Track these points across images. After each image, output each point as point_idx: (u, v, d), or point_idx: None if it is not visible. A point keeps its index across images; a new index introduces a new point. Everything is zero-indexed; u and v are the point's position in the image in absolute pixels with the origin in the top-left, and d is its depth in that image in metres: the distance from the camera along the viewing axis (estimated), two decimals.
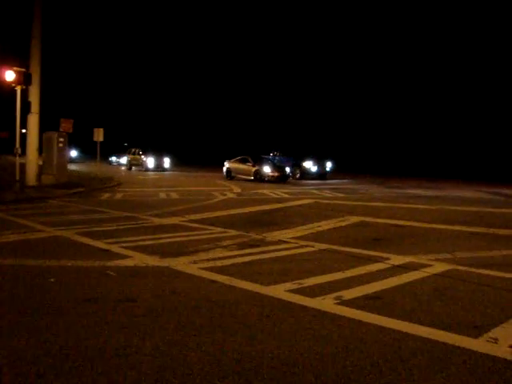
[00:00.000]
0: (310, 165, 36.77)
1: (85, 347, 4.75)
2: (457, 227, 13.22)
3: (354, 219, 14.42)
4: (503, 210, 17.65)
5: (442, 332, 5.34)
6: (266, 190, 24.30)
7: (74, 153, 55.30)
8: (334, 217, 14.77)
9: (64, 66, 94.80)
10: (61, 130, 24.38)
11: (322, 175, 37.28)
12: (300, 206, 18.00)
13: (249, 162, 32.64)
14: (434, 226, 13.46)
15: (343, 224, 13.58)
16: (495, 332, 5.38)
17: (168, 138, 76.34)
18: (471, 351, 4.85)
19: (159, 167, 44.77)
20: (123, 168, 48.74)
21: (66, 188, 21.01)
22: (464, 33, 58.18)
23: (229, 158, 34.67)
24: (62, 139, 23.30)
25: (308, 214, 15.43)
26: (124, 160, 51.50)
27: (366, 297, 6.60)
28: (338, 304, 6.25)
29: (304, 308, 6.09)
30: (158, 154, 45.36)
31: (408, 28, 64.35)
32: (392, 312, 5.99)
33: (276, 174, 31.49)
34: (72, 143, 56.60)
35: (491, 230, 12.70)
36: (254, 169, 31.92)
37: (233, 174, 33.47)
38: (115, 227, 12.12)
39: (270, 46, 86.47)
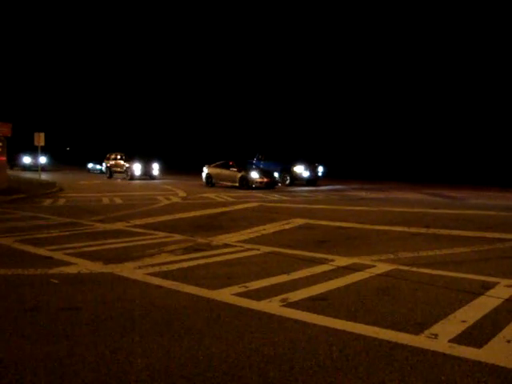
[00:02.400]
0: (301, 169, 33.24)
1: (26, 359, 4.63)
2: (399, 228, 13.55)
3: (299, 222, 14.57)
4: (443, 211, 18.20)
5: (385, 330, 5.47)
6: (211, 194, 24.25)
7: (43, 159, 48.60)
8: (278, 219, 14.89)
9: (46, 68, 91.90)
10: None
11: (312, 181, 34.05)
12: (245, 209, 18.06)
13: (233, 167, 29.92)
14: (377, 227, 13.75)
15: (288, 227, 13.70)
16: (435, 328, 5.55)
17: (145, 142, 70.56)
18: (413, 347, 4.99)
19: (147, 174, 38.28)
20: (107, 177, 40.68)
21: (5, 194, 20.39)
22: (452, 40, 58.94)
23: (209, 163, 31.88)
24: None
25: (253, 218, 15.49)
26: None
27: (312, 298, 6.68)
28: (284, 306, 6.31)
29: (250, 311, 6.12)
30: (145, 159, 38.92)
31: (402, 33, 64.26)
32: (337, 313, 6.09)
33: (265, 180, 28.93)
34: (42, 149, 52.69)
35: (431, 231, 13.07)
36: (239, 174, 29.13)
37: (214, 181, 30.71)
38: (58, 234, 11.85)
39: (254, 45, 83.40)
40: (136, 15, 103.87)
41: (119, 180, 37.49)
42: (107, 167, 40.73)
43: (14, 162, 48.80)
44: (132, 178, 37.36)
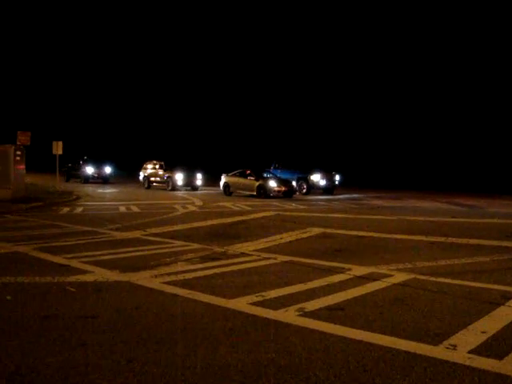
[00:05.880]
0: (318, 178, 32.95)
1: (42, 366, 4.63)
2: (416, 237, 13.43)
3: (316, 231, 14.51)
4: (459, 220, 18.03)
5: (403, 341, 5.40)
6: (228, 203, 24.24)
7: (108, 169, 41.79)
8: (295, 229, 14.84)
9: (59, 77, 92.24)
10: (18, 143, 23.88)
11: (329, 190, 33.86)
12: (262, 218, 18.02)
13: (251, 175, 29.81)
14: (394, 236, 13.65)
15: (305, 236, 13.65)
16: (454, 339, 5.47)
17: (166, 150, 68.44)
18: (432, 358, 4.92)
19: (189, 185, 34.76)
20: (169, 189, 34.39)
21: (23, 202, 20.57)
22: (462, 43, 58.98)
23: (226, 172, 31.50)
24: (19, 152, 22.77)
25: (270, 226, 15.45)
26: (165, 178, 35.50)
27: (329, 308, 6.63)
28: (301, 316, 6.26)
29: (267, 320, 6.08)
30: (187, 168, 35.27)
31: (414, 41, 64.35)
32: (354, 322, 6.03)
33: (283, 189, 28.89)
34: (104, 157, 43.40)
35: (449, 240, 12.95)
36: (257, 183, 28.93)
37: (231, 190, 30.39)
38: (75, 242, 11.91)
39: (266, 48, 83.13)
40: (158, 26, 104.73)
41: (144, 189, 35.43)
42: (144, 177, 36.93)
43: (71, 172, 41.57)
44: (174, 188, 34.05)
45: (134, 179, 41.28)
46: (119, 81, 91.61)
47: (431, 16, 65.71)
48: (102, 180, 41.18)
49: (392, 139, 59.27)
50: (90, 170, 40.43)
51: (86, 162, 40.85)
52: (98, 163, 41.54)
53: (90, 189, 33.57)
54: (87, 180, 40.16)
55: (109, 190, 33.17)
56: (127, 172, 49.49)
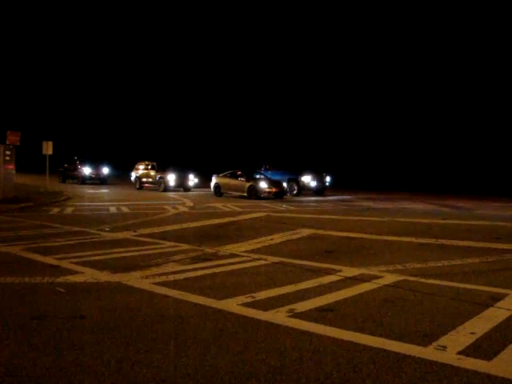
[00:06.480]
0: (308, 179, 33.08)
1: (32, 368, 4.60)
2: (407, 239, 13.48)
3: (306, 232, 14.52)
4: (451, 222, 18.11)
5: (393, 342, 5.42)
6: (219, 204, 24.22)
7: (105, 170, 41.04)
8: (286, 230, 14.85)
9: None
10: (7, 142, 23.74)
11: (320, 191, 34.11)
12: (252, 219, 18.02)
13: (241, 176, 29.86)
14: (385, 237, 13.69)
15: (295, 237, 13.66)
16: (444, 340, 5.49)
17: (159, 151, 67.06)
18: (421, 359, 4.94)
19: (182, 186, 34.58)
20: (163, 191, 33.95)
21: (13, 202, 20.46)
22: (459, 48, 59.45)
23: (216, 173, 31.74)
24: (8, 152, 22.66)
25: (260, 228, 15.45)
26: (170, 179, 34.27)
27: (319, 309, 6.64)
28: (291, 317, 6.27)
29: (257, 321, 6.08)
30: (179, 168, 35.04)
31: (413, 42, 64.56)
32: (344, 323, 6.04)
33: (273, 190, 28.84)
34: (96, 158, 42.33)
35: (439, 241, 13.00)
36: (248, 184, 28.95)
37: (222, 191, 30.49)
38: (65, 242, 11.86)
39: (257, 51, 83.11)
40: (152, 27, 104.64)
41: (135, 189, 35.40)
42: (136, 177, 36.63)
43: (67, 172, 41.14)
44: (166, 189, 33.75)
45: (126, 180, 40.99)
46: (111, 81, 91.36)
47: (431, 16, 66.09)
48: (100, 181, 40.50)
49: (383, 141, 59.50)
50: (87, 170, 39.80)
51: (83, 163, 40.16)
52: (95, 164, 40.89)
53: (82, 189, 33.44)
54: (84, 181, 39.61)
55: (100, 191, 33.04)
56: (120, 172, 49.31)
